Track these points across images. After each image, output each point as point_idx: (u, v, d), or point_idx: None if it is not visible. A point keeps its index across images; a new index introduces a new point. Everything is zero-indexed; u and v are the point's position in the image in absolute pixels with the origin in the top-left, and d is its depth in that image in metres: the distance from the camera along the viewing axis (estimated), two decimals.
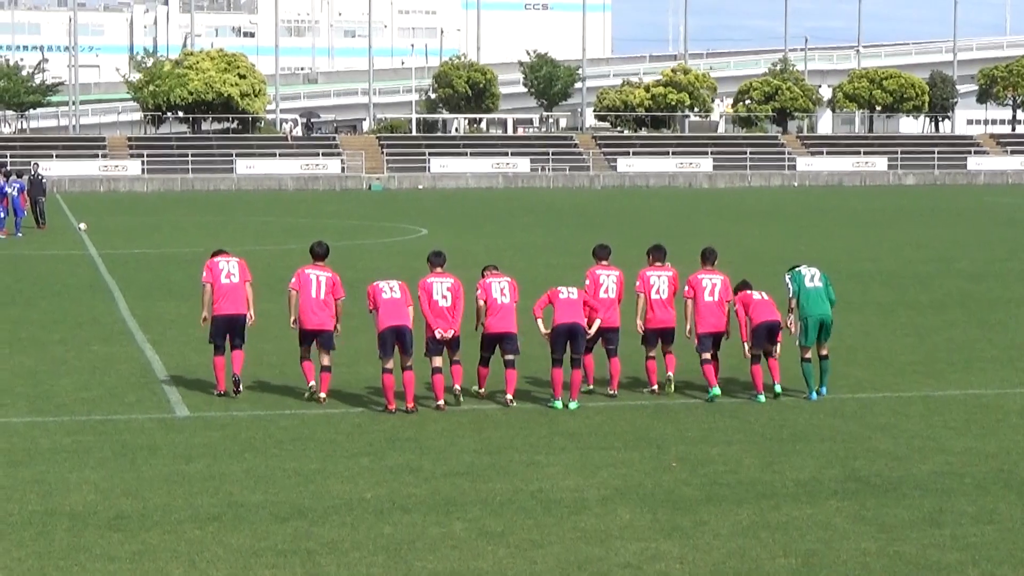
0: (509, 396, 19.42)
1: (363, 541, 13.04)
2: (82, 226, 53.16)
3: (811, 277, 20.24)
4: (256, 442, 17.10)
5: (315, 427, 17.98)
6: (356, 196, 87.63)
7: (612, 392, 20.20)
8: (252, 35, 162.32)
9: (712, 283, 20.13)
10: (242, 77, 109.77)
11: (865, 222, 60.26)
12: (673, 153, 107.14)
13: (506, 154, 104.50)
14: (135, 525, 13.50)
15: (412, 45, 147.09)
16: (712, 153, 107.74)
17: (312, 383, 19.83)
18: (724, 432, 17.81)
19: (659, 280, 20.29)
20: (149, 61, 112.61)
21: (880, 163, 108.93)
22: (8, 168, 56.65)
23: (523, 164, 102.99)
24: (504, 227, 55.91)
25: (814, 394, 20.08)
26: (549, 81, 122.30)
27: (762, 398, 19.87)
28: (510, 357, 19.43)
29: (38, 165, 62.08)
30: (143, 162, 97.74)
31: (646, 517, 13.85)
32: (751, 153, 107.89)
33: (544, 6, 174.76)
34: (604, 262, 20.45)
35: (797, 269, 20.54)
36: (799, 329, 20.12)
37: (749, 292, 20.25)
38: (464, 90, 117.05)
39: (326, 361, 19.78)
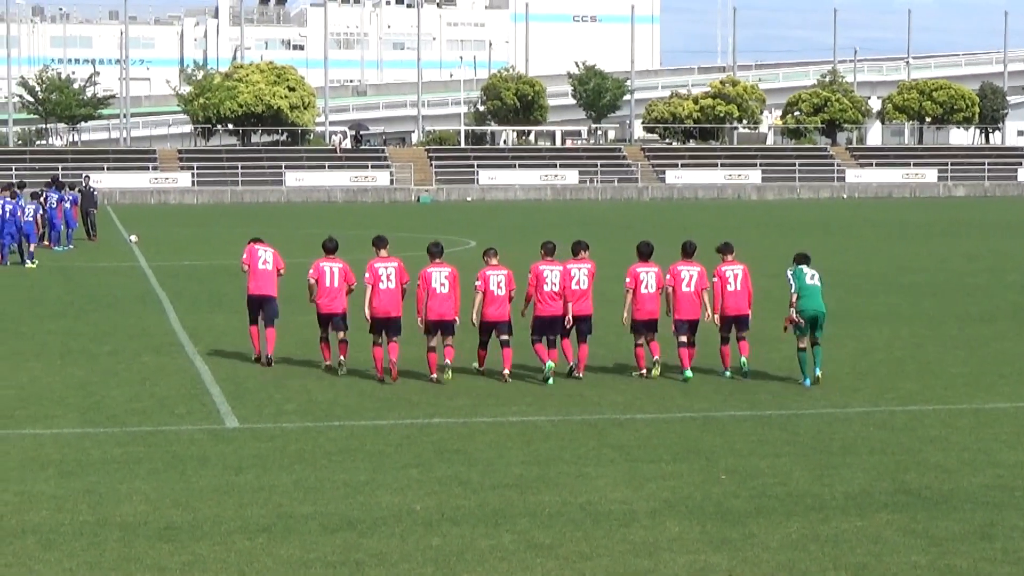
0: (507, 371, 21.99)
1: (412, 553, 13.06)
2: (133, 238, 53.45)
3: (811, 276, 21.87)
4: (305, 453, 17.16)
5: (364, 438, 18.03)
6: (405, 208, 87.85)
7: (579, 375, 22.43)
8: (301, 48, 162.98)
9: (689, 274, 22.36)
10: (291, 90, 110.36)
11: (915, 234, 59.98)
12: (722, 165, 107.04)
13: (555, 166, 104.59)
14: (185, 536, 13.57)
15: (461, 57, 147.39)
16: (761, 165, 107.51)
17: (328, 362, 22.91)
18: (773, 444, 17.76)
19: (647, 276, 22.43)
20: (199, 74, 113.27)
21: (930, 175, 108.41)
22: (60, 180, 57.01)
23: (572, 176, 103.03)
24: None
25: (808, 381, 21.61)
26: (598, 93, 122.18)
27: (728, 374, 22.34)
28: (505, 338, 22.12)
29: (89, 178, 62.57)
30: (193, 174, 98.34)
31: (695, 529, 13.83)
32: (800, 165, 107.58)
33: (592, 18, 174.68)
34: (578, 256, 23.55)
35: (800, 267, 22.04)
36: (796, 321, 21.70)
37: (725, 271, 22.37)
38: (512, 102, 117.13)
39: (341, 336, 22.70)
